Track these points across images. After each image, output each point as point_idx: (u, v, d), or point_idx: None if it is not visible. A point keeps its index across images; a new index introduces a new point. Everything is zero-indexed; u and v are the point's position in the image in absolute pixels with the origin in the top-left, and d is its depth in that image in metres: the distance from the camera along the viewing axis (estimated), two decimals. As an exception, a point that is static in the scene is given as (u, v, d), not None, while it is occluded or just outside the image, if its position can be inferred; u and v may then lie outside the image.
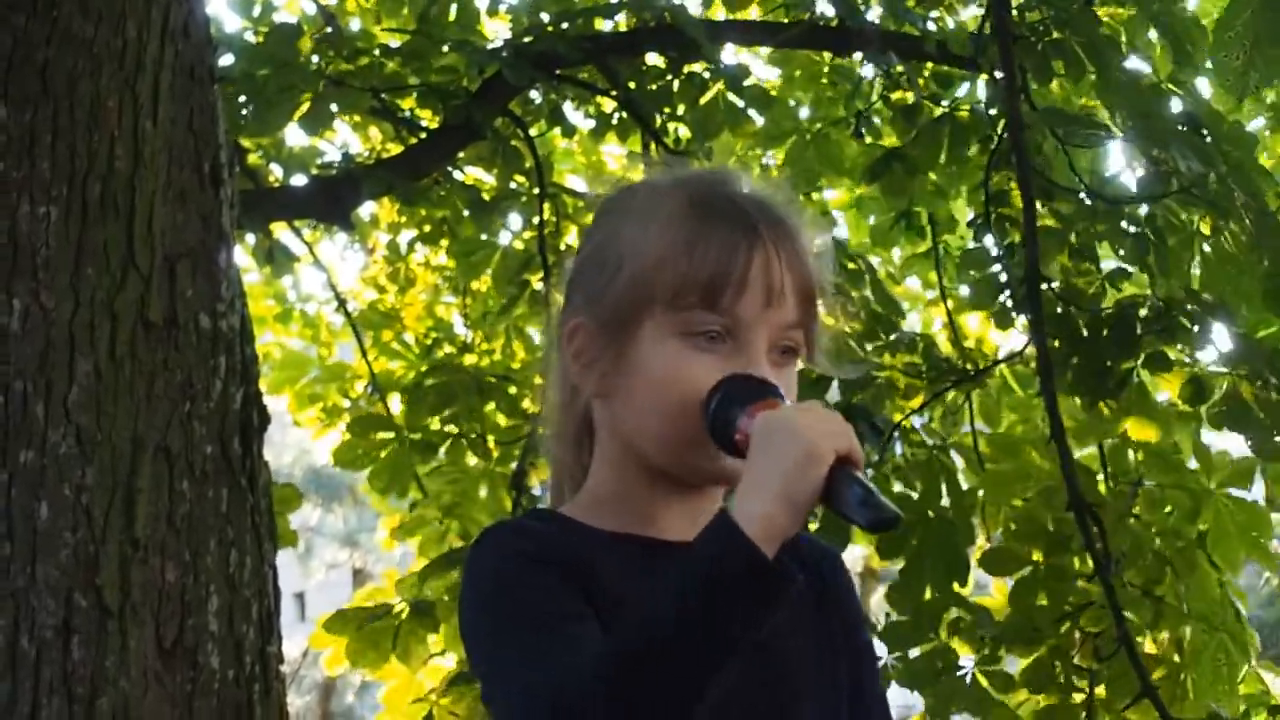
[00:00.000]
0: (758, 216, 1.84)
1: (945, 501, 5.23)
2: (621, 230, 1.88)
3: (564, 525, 1.86)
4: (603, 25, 6.18)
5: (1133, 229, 5.08)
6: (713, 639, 1.64)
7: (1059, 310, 5.01)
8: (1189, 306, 4.88)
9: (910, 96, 5.94)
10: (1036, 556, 5.03)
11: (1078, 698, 4.91)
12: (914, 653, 5.02)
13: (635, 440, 1.85)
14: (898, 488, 5.25)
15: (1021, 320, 5.42)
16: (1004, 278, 5.40)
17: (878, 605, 6.05)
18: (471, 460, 6.59)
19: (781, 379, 1.83)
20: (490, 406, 6.55)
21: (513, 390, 6.59)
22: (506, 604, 1.77)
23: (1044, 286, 4.93)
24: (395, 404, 6.86)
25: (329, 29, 6.25)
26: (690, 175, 1.93)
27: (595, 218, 1.95)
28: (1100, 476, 5.13)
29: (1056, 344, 4.91)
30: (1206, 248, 4.96)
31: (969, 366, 5.51)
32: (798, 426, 1.69)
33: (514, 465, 6.50)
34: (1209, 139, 4.88)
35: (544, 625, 1.73)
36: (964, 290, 5.82)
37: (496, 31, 6.79)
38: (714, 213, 1.84)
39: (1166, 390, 5.21)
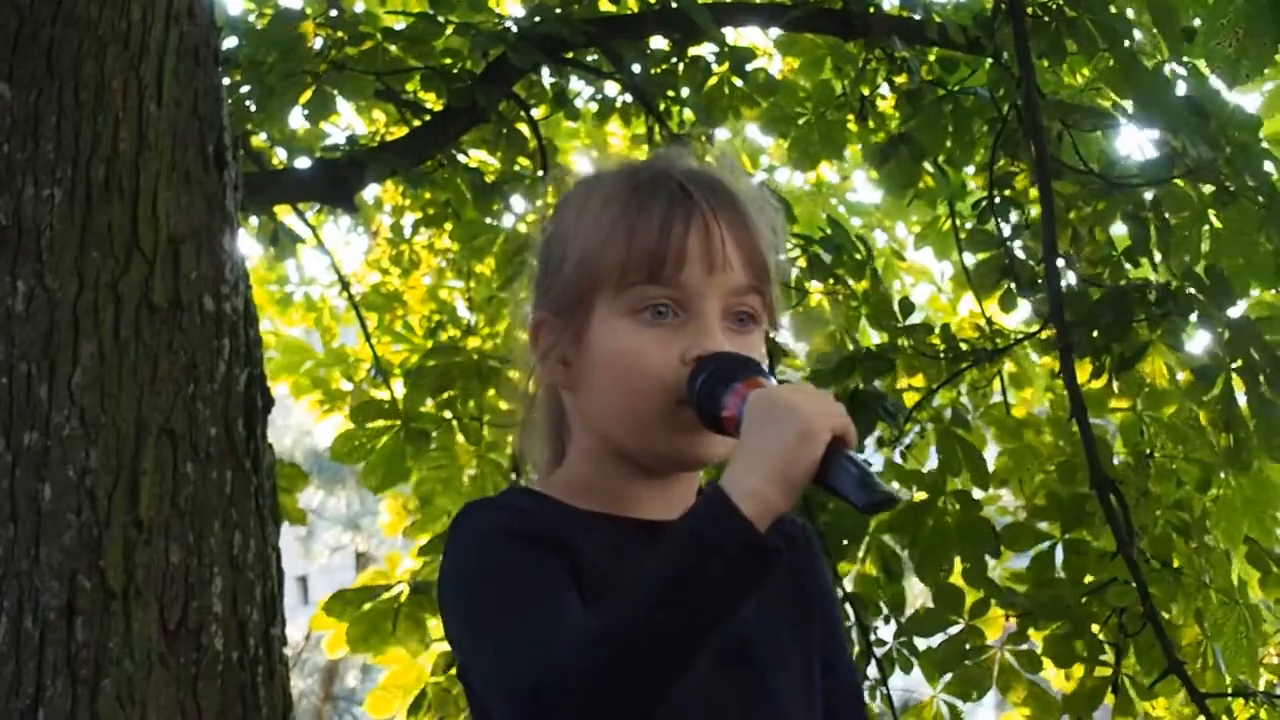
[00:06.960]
0: (692, 187, 1.86)
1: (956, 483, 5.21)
2: (567, 221, 1.92)
3: (544, 502, 1.87)
4: (607, 7, 6.16)
5: (1138, 213, 5.07)
6: (698, 615, 1.64)
7: (1065, 288, 4.99)
8: (1189, 290, 4.87)
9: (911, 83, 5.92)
10: (1055, 531, 5.03)
11: (1104, 672, 4.90)
12: (940, 638, 4.99)
13: (603, 427, 1.87)
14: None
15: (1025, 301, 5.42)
16: (1008, 260, 5.39)
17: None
18: (459, 438, 6.54)
19: (742, 347, 1.84)
20: (491, 393, 6.53)
21: (514, 374, 6.51)
22: (490, 578, 1.77)
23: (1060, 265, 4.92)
24: (399, 388, 6.85)
25: (333, 12, 6.23)
26: (629, 162, 1.96)
27: (552, 214, 1.98)
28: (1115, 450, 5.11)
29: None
30: (1216, 222, 4.94)
31: (988, 344, 5.49)
32: (795, 404, 1.70)
33: (509, 450, 6.47)
34: (1212, 123, 4.87)
35: (528, 600, 1.73)
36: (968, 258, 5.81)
37: (508, 10, 6.78)
38: (649, 190, 1.86)
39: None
